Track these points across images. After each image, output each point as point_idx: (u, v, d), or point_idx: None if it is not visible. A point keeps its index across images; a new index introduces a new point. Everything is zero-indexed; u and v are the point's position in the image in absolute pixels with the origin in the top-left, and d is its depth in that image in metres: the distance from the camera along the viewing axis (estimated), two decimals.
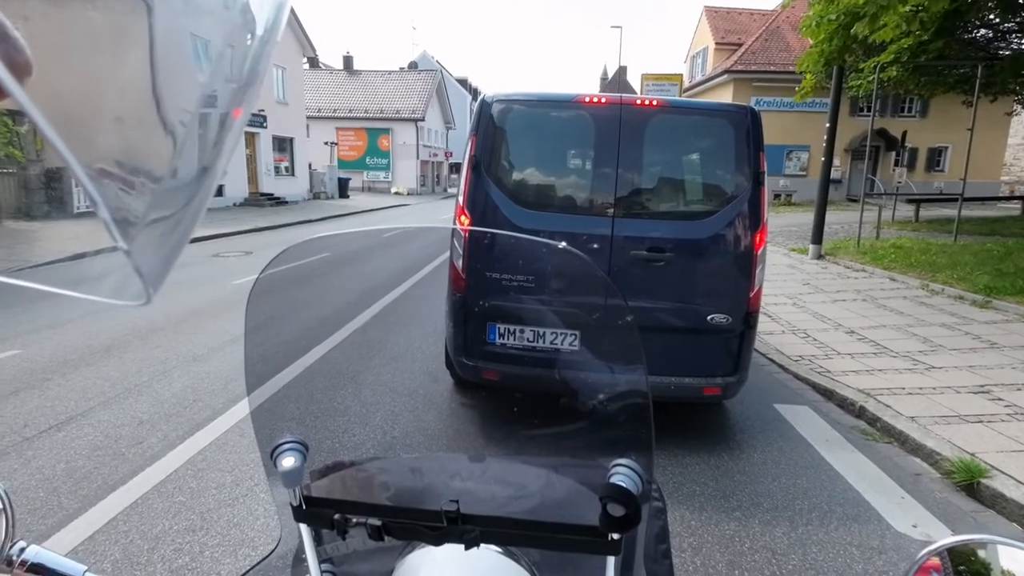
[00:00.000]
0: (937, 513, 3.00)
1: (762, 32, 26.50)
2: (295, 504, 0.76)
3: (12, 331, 5.47)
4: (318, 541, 0.80)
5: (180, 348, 5.20)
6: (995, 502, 3.08)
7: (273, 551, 0.88)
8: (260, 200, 22.06)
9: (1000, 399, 4.27)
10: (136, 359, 4.89)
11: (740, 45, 27.07)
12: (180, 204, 0.34)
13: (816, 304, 7.43)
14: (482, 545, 0.74)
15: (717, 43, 28.42)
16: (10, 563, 0.68)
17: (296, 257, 0.98)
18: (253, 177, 22.90)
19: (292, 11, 0.34)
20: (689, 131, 3.61)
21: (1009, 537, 0.68)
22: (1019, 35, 13.26)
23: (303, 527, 0.77)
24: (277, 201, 22.95)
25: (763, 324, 6.19)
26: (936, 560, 0.68)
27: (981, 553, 0.70)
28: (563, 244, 0.94)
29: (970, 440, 3.62)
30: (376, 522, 0.73)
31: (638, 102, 3.44)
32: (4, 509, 0.69)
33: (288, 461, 0.73)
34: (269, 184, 23.77)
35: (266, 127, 23.28)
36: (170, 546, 2.54)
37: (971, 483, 3.19)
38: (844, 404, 4.37)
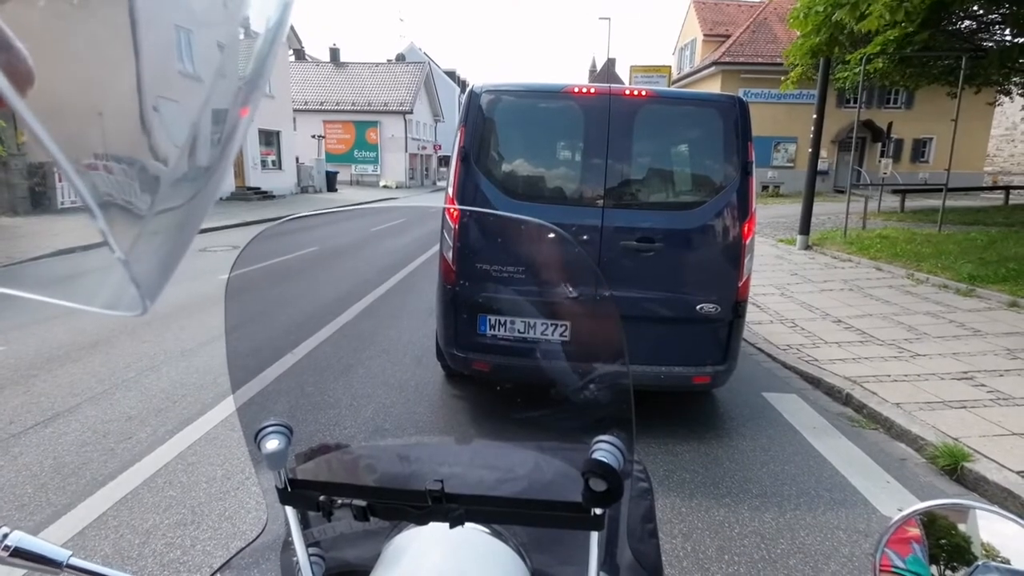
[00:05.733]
0: (922, 496, 3.05)
1: (750, 24, 26.55)
2: (280, 486, 0.75)
3: None
4: (305, 525, 0.80)
5: (168, 343, 5.15)
6: (978, 485, 3.14)
7: (258, 537, 0.87)
8: (247, 194, 21.83)
9: (983, 385, 4.34)
10: (124, 354, 4.84)
11: (728, 37, 27.11)
12: (183, 201, 0.33)
13: (803, 294, 7.50)
14: (469, 525, 0.74)
15: (705, 35, 28.46)
16: None
17: (275, 242, 0.97)
18: (240, 171, 22.65)
19: None
20: (678, 121, 3.61)
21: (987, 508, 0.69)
22: (1003, 26, 13.38)
23: (289, 510, 0.77)
24: (264, 195, 22.72)
25: (751, 314, 6.24)
26: (916, 531, 0.70)
27: (961, 526, 0.71)
28: (547, 223, 0.94)
29: (954, 425, 3.68)
30: (361, 503, 0.73)
31: (627, 92, 3.44)
32: None
33: (272, 443, 0.72)
34: (256, 178, 23.53)
35: (252, 120, 23.06)
36: (161, 540, 2.53)
37: (955, 467, 3.25)
38: (831, 392, 4.43)
